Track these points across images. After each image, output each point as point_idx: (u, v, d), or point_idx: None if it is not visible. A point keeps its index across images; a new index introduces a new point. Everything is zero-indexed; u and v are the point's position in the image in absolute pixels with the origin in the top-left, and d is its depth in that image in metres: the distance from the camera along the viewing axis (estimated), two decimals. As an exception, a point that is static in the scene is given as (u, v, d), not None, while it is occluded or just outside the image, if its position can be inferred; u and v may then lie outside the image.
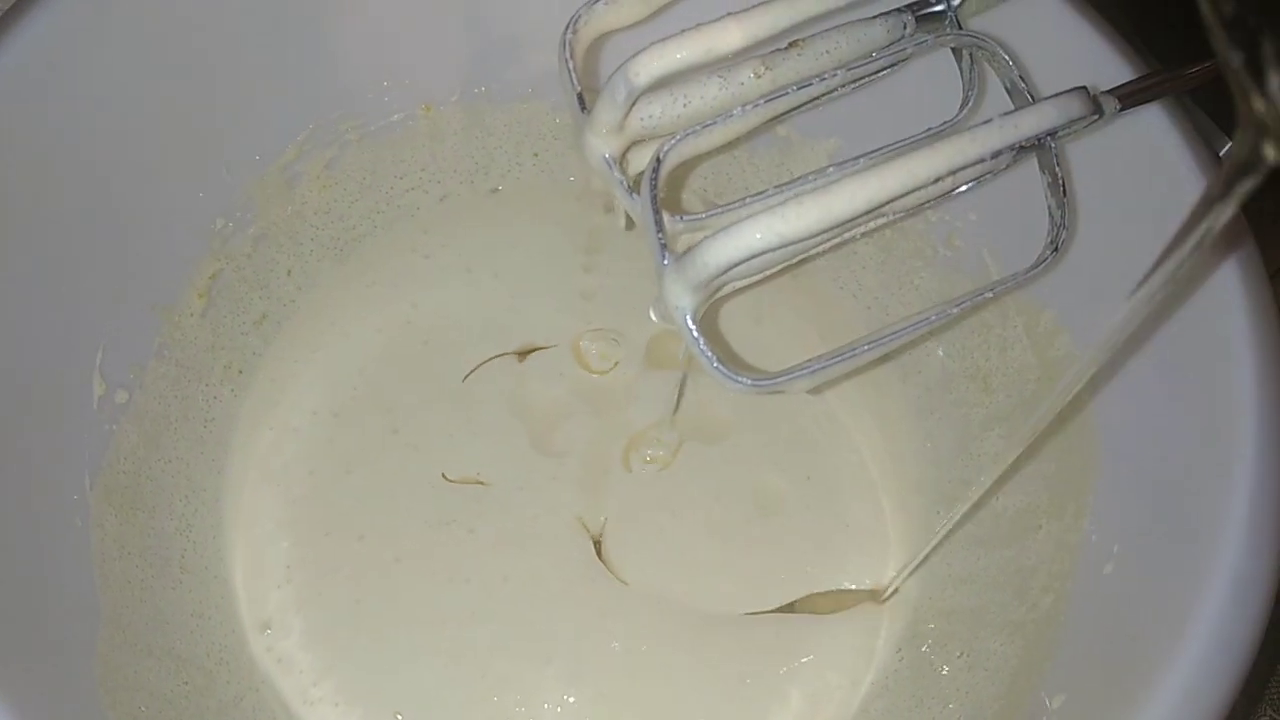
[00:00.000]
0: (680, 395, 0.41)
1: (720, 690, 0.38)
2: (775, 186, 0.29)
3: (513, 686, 0.38)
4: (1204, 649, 0.27)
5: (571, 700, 0.38)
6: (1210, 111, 0.42)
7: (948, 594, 0.40)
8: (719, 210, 0.29)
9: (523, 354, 0.44)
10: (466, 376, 0.43)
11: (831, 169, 0.28)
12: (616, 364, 0.43)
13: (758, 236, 0.26)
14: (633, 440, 0.43)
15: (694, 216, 0.29)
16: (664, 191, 0.29)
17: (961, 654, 0.37)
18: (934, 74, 0.36)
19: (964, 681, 0.36)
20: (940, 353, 0.42)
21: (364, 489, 0.41)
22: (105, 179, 0.35)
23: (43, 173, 0.33)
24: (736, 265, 0.26)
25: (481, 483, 0.41)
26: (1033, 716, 0.31)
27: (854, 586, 0.41)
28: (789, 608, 0.40)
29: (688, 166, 0.45)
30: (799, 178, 0.29)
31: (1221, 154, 0.43)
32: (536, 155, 0.46)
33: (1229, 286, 0.32)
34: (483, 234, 0.46)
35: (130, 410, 0.37)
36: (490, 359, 0.43)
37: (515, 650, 0.39)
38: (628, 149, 0.31)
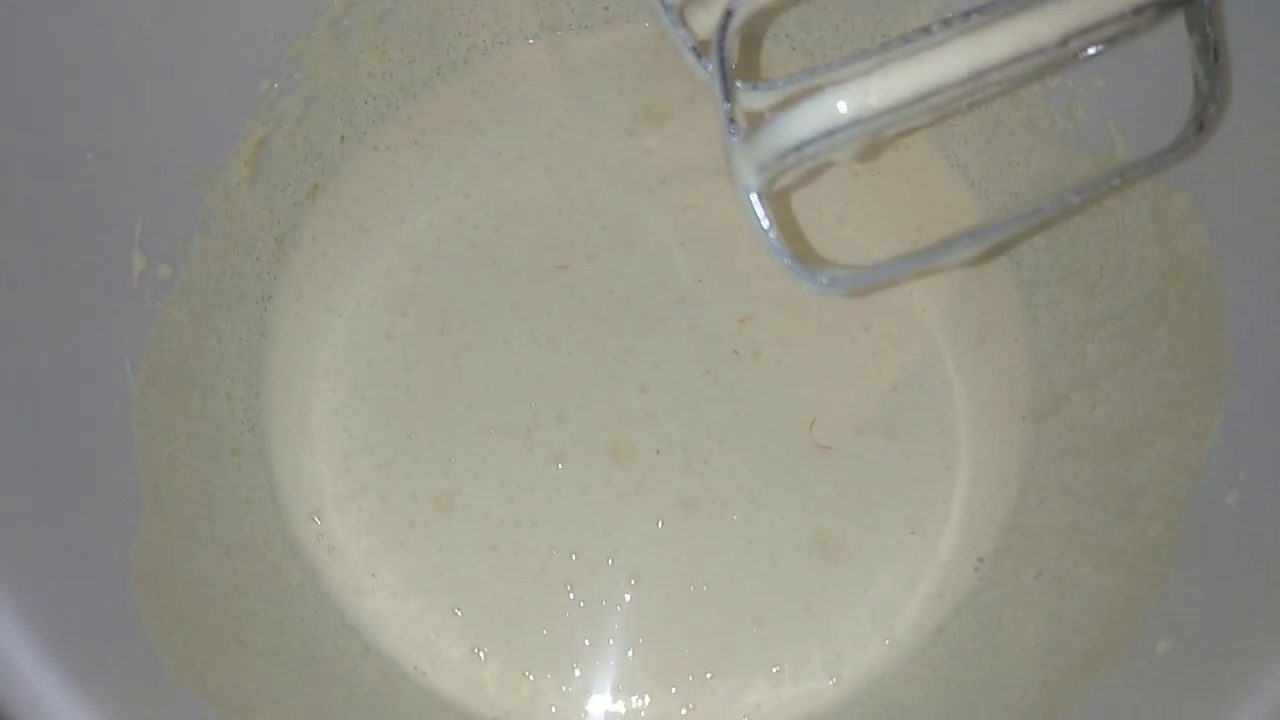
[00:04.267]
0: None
1: (792, 601, 0.37)
2: (865, 50, 0.24)
3: (572, 583, 0.37)
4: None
5: (629, 599, 0.37)
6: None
7: (1036, 506, 0.37)
8: (798, 77, 0.25)
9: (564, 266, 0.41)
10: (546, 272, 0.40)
11: (936, 27, 0.24)
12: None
13: (840, 109, 0.22)
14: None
15: (770, 84, 0.26)
16: (736, 54, 0.25)
17: (1039, 574, 0.34)
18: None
19: (1049, 606, 0.33)
20: (1042, 243, 0.38)
21: (422, 387, 0.40)
22: (139, 36, 0.33)
23: (72, 27, 0.31)
24: (813, 143, 0.22)
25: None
26: (1133, 662, 0.28)
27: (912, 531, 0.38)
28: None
29: (765, 19, 0.40)
30: (898, 37, 0.24)
31: None
32: (607, 8, 0.43)
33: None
34: (541, 106, 0.43)
35: (175, 286, 0.36)
36: (549, 269, 0.41)
37: (574, 549, 0.38)
38: None
